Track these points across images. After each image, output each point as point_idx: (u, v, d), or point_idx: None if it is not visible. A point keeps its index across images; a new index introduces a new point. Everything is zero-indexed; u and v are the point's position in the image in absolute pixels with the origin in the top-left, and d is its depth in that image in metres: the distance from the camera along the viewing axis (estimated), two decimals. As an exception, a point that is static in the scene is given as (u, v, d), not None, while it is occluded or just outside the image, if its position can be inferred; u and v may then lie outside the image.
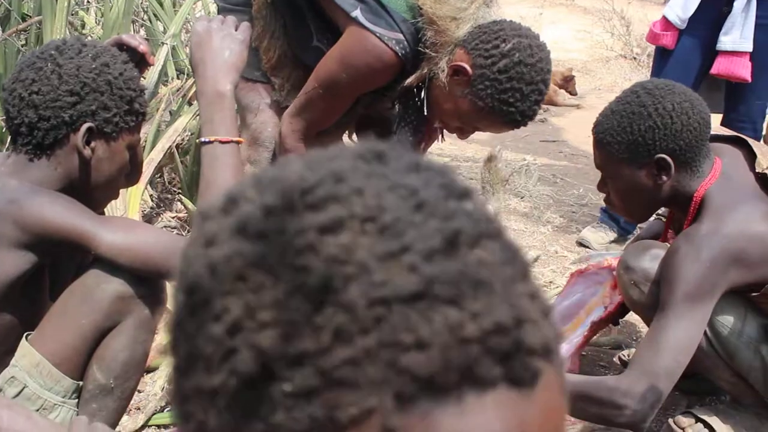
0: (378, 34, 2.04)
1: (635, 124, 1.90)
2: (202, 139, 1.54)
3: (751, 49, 3.02)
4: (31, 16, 3.11)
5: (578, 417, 1.89)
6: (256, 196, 0.46)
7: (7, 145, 2.64)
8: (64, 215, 1.47)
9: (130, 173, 1.66)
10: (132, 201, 2.63)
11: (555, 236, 3.55)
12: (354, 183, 0.44)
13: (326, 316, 0.41)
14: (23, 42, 3.03)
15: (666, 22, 3.14)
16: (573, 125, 5.70)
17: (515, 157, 4.71)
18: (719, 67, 3.07)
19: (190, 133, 3.25)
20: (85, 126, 1.52)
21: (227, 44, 1.59)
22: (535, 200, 3.97)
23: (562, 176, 4.46)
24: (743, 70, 3.05)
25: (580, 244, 3.43)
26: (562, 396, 0.46)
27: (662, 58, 3.22)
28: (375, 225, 0.43)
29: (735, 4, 3.01)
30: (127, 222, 1.62)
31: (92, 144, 1.54)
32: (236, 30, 1.64)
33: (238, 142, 1.55)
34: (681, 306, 1.81)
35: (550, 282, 3.03)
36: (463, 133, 2.20)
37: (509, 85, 2.00)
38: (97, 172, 1.57)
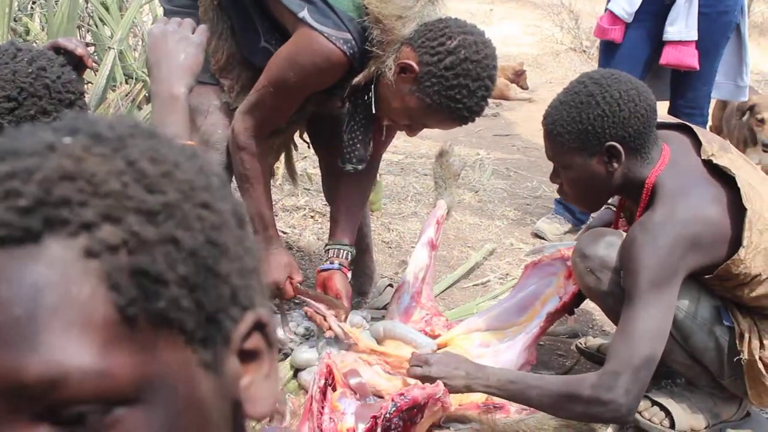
0: (326, 34, 2.04)
1: (584, 114, 1.92)
2: None
3: (695, 38, 3.10)
4: (-28, 24, 3.05)
5: (564, 417, 1.91)
6: None
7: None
8: None
9: None
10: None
11: (510, 229, 3.59)
12: None
13: None
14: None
15: (612, 17, 3.19)
16: (525, 119, 5.75)
17: (469, 152, 4.74)
18: (668, 57, 3.15)
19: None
20: None
21: (183, 47, 1.58)
22: (489, 194, 4.00)
23: (515, 169, 4.50)
24: (691, 58, 3.13)
25: (536, 236, 3.46)
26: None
27: (610, 51, 3.28)
28: None
29: None
30: None
31: None
32: (193, 33, 1.62)
33: (190, 146, 1.54)
34: (647, 294, 1.84)
35: (507, 274, 3.06)
36: (411, 130, 2.21)
37: (456, 82, 2.01)
38: None
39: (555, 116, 1.98)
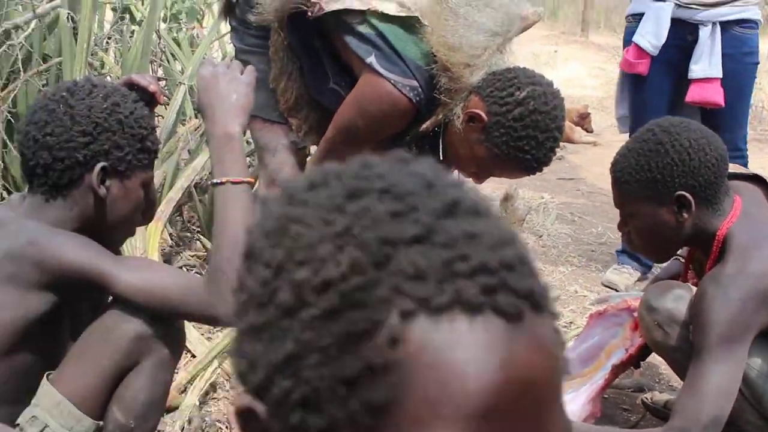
0: (393, 81, 2.05)
1: (653, 162, 1.89)
2: (214, 181, 1.55)
3: (720, 75, 3.13)
4: (51, 57, 3.15)
5: None
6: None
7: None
8: (82, 255, 1.47)
9: (145, 211, 1.67)
10: (151, 240, 2.64)
11: (574, 276, 3.53)
12: (377, 170, 0.57)
13: (346, 253, 0.53)
14: (44, 82, 3.06)
15: (638, 50, 3.21)
16: (590, 162, 5.69)
17: (533, 195, 4.70)
18: (693, 95, 3.17)
19: (208, 172, 3.26)
20: (98, 165, 1.53)
21: (234, 87, 1.61)
22: (553, 239, 3.95)
23: (580, 215, 4.44)
24: (716, 95, 3.14)
25: (606, 287, 3.39)
26: (554, 349, 0.54)
27: (636, 84, 3.32)
28: (390, 194, 0.55)
29: (700, 33, 3.13)
30: (144, 262, 1.63)
31: (107, 183, 1.55)
32: (242, 73, 1.65)
33: (249, 183, 1.56)
34: (717, 350, 1.79)
35: (570, 323, 3.00)
36: (478, 177, 2.20)
37: (524, 133, 2.01)
38: (112, 210, 1.58)
39: (623, 164, 1.95)
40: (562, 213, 4.42)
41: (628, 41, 3.32)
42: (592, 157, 5.87)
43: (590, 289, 3.37)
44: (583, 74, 8.73)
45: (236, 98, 1.60)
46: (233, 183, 1.52)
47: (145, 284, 1.47)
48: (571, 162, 5.84)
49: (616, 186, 1.99)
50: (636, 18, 3.29)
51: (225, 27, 3.86)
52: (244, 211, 1.51)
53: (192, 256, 3.16)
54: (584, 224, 4.28)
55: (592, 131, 6.61)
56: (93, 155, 1.52)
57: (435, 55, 2.04)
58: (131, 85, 1.71)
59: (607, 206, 4.18)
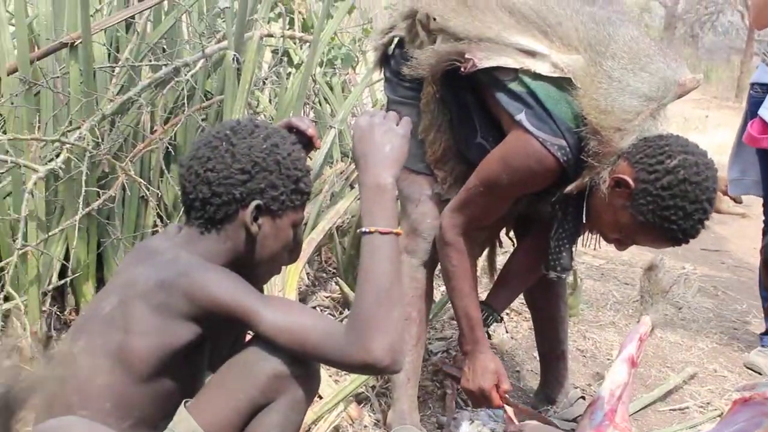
0: (541, 139, 2.04)
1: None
2: (363, 230, 1.57)
3: None
4: (213, 94, 3.31)
5: None
6: None
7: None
8: (231, 292, 1.52)
9: (292, 251, 1.71)
10: (290, 278, 2.70)
11: (714, 354, 3.37)
12: None
13: None
14: (204, 117, 3.21)
15: (763, 125, 3.07)
16: (737, 235, 5.47)
17: (674, 264, 4.54)
18: None
19: (350, 216, 3.32)
20: (253, 203, 1.58)
21: (389, 138, 1.64)
22: (693, 312, 3.80)
23: (723, 289, 4.26)
24: None
25: (748, 369, 3.22)
26: None
27: (764, 160, 3.22)
28: None
29: None
30: (288, 303, 1.67)
31: (259, 221, 1.60)
32: (397, 125, 1.68)
33: (396, 234, 1.57)
34: None
35: (708, 403, 2.87)
36: (620, 244, 2.14)
37: (672, 203, 1.94)
38: (262, 247, 1.63)
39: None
40: (705, 286, 4.25)
41: (753, 113, 3.18)
42: (739, 228, 5.64)
43: (731, 369, 3.21)
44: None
45: (390, 149, 1.62)
46: (381, 233, 1.55)
47: (287, 325, 1.51)
48: (717, 233, 5.62)
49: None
50: (763, 88, 3.15)
51: (377, 75, 3.97)
52: (389, 262, 1.53)
53: (326, 297, 3.22)
54: (727, 300, 4.10)
55: (740, 202, 6.34)
56: (249, 193, 1.58)
57: (586, 117, 2.01)
58: (290, 128, 1.77)
59: (752, 282, 4.00)
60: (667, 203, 1.95)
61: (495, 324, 2.43)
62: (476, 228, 2.31)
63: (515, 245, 2.68)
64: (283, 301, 1.68)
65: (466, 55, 2.12)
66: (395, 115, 1.72)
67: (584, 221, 2.16)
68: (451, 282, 2.32)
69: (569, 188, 2.09)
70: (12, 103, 2.73)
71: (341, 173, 3.53)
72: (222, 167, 1.58)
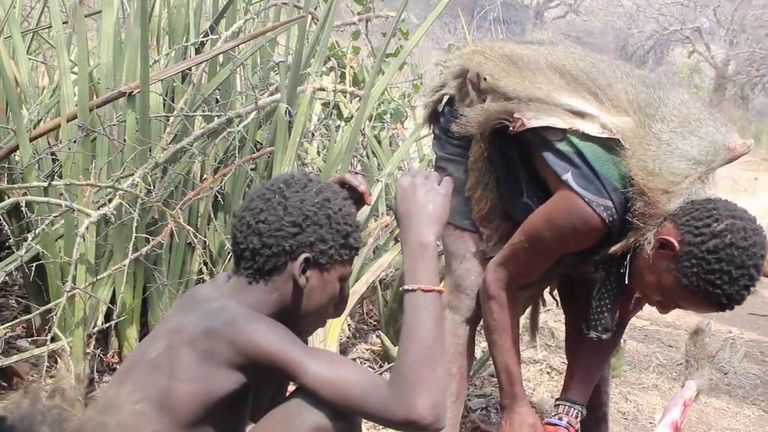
0: (587, 199, 2.04)
1: None
2: (406, 287, 1.59)
3: None
4: (263, 145, 3.37)
5: None
6: None
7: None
8: (276, 343, 1.53)
9: (338, 304, 1.73)
10: (332, 330, 2.72)
11: (760, 422, 3.29)
12: None
13: None
14: (253, 167, 3.27)
15: None
16: (787, 300, 5.36)
17: (720, 328, 4.47)
18: None
19: (393, 269, 3.33)
20: (302, 256, 1.61)
21: (431, 198, 1.66)
22: (739, 378, 3.72)
23: (771, 355, 4.17)
24: None
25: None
26: None
27: None
28: None
29: None
30: (331, 356, 1.68)
31: (307, 273, 1.62)
32: (439, 184, 1.70)
33: (439, 292, 1.59)
34: None
35: (753, 473, 2.80)
36: (663, 307, 2.12)
37: (717, 267, 1.92)
38: (309, 300, 1.65)
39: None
40: (751, 351, 4.16)
41: None
42: (789, 294, 5.53)
43: (778, 438, 3.14)
44: (785, 205, 8.29)
45: (432, 208, 1.65)
46: (424, 291, 1.56)
47: (331, 378, 1.52)
48: (764, 297, 5.52)
49: None
50: None
51: (425, 131, 4.00)
52: (432, 319, 1.54)
53: (367, 350, 3.23)
54: (776, 367, 4.01)
55: (791, 267, 6.24)
56: (299, 245, 1.61)
57: (633, 178, 2.02)
58: (342, 183, 1.80)
59: (802, 350, 3.92)
60: (712, 267, 1.93)
61: (580, 415, 2.36)
62: (519, 283, 2.31)
63: (558, 304, 2.67)
64: (327, 353, 1.69)
65: (515, 115, 2.14)
66: (436, 175, 1.75)
67: (627, 282, 2.14)
68: (493, 336, 2.32)
69: (614, 249, 2.09)
70: (69, 149, 2.81)
71: (386, 226, 3.55)
72: (273, 219, 1.61)
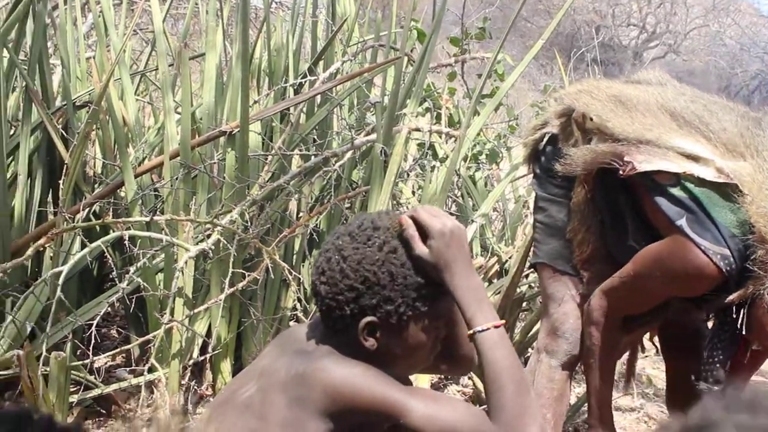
0: (702, 247, 1.95)
1: None
2: (478, 329, 1.52)
3: None
4: (359, 184, 3.38)
5: None
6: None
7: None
8: (374, 386, 1.49)
9: (454, 358, 1.68)
10: (424, 372, 2.67)
11: None
12: None
13: None
14: (348, 206, 3.28)
15: None
16: None
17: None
18: None
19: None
20: (364, 320, 1.52)
21: (464, 240, 1.60)
22: None
23: None
24: None
25: None
26: None
27: None
28: None
29: None
30: (434, 393, 1.63)
31: (377, 334, 1.54)
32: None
33: (504, 324, 1.55)
34: None
35: None
36: (784, 360, 2.01)
37: None
38: (391, 357, 1.56)
39: None
40: None
41: None
42: None
43: None
44: None
45: (467, 250, 1.59)
46: (496, 327, 1.52)
47: (437, 416, 1.47)
48: None
49: None
50: None
51: (522, 171, 3.96)
52: (511, 352, 1.52)
53: (458, 392, 3.16)
54: None
55: None
56: (361, 309, 1.52)
57: (753, 226, 1.92)
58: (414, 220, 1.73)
59: None
60: None
61: None
62: (622, 314, 2.25)
63: (658, 352, 2.57)
64: (427, 391, 1.65)
65: (625, 158, 2.07)
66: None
67: (743, 333, 2.04)
68: (590, 359, 2.28)
69: (731, 298, 1.99)
70: (171, 185, 2.87)
71: (480, 267, 3.50)
72: (333, 282, 1.54)
